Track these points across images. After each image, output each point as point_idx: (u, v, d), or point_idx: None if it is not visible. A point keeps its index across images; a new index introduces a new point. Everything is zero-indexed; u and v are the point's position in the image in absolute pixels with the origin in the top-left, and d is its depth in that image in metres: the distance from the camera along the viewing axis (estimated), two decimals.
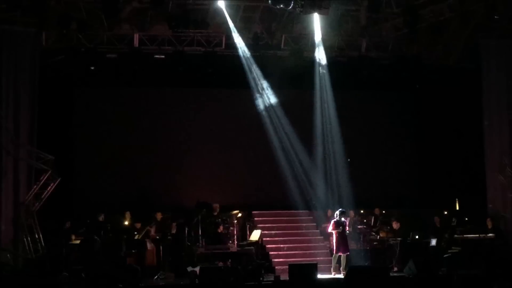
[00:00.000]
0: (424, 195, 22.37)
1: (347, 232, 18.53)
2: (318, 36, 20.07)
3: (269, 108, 21.03)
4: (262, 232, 19.83)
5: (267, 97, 20.95)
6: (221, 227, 19.04)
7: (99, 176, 21.01)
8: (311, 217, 21.38)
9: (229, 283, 15.84)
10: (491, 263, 16.69)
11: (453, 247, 18.43)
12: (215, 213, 19.64)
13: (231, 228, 19.50)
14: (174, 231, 18.99)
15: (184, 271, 17.23)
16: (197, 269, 16.47)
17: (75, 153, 21.10)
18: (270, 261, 19.24)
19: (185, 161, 21.76)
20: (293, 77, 20.75)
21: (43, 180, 18.14)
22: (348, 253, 18.33)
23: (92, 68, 20.01)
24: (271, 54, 20.63)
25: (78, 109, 21.36)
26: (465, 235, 18.92)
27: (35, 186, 18.12)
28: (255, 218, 21.02)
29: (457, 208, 21.60)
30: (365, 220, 20.42)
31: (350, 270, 16.42)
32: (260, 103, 21.01)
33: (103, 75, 20.49)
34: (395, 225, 19.58)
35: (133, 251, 18.09)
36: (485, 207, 20.15)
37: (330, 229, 18.49)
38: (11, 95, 18.19)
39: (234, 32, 19.63)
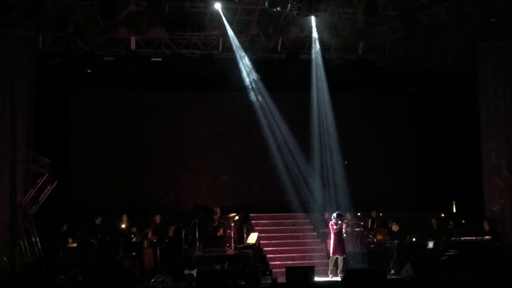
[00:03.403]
0: (421, 197, 22.39)
1: (344, 235, 18.52)
2: (315, 39, 20.08)
3: (266, 110, 21.03)
4: (259, 234, 19.82)
5: (264, 100, 20.94)
6: (221, 231, 19.04)
7: (96, 179, 21.01)
8: (308, 220, 21.39)
9: (226, 286, 15.81)
10: (488, 265, 16.69)
11: (450, 250, 18.43)
12: (216, 217, 19.63)
13: (228, 231, 19.49)
14: (171, 234, 18.99)
15: (181, 274, 17.23)
16: (194, 272, 16.45)
17: (72, 156, 21.09)
18: (267, 264, 19.24)
19: (182, 163, 21.78)
20: (290, 80, 20.79)
21: (40, 183, 18.10)
22: (345, 255, 18.34)
23: (89, 71, 20.06)
24: (268, 57, 20.66)
25: (75, 112, 21.36)
26: (462, 238, 18.97)
27: (31, 189, 18.08)
28: (252, 221, 21.02)
29: (454, 210, 21.64)
30: (362, 223, 20.43)
31: (347, 272, 16.39)
32: (257, 106, 21.01)
33: (100, 78, 20.52)
34: (394, 227, 19.60)
35: (130, 254, 18.05)
36: (482, 210, 20.15)
37: (332, 231, 18.39)
38: (8, 98, 18.15)
39: (231, 35, 19.63)
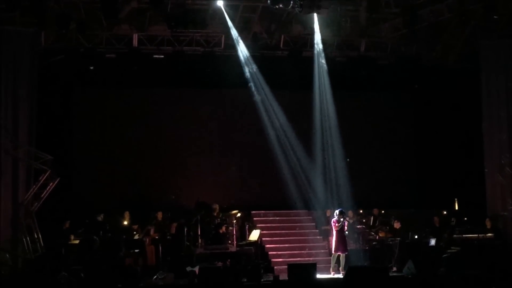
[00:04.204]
0: (423, 195, 22.36)
1: (346, 232, 18.51)
2: (317, 36, 20.08)
3: (268, 108, 21.03)
4: (261, 232, 19.83)
5: (266, 97, 20.95)
6: (223, 228, 19.06)
7: (98, 176, 21.00)
8: (310, 217, 21.40)
9: (228, 283, 15.83)
10: (490, 263, 16.70)
11: (452, 247, 18.42)
12: (215, 214, 19.66)
13: (230, 228, 19.51)
14: (173, 231, 19.00)
15: (183, 271, 17.22)
16: (196, 269, 16.46)
17: (74, 153, 21.09)
18: (269, 261, 19.24)
19: (184, 161, 21.77)
20: (292, 77, 20.79)
21: (42, 180, 18.12)
22: (347, 252, 18.35)
23: (91, 68, 20.05)
24: (270, 54, 20.66)
25: (77, 109, 21.35)
26: (464, 235, 18.94)
27: (34, 186, 18.10)
28: (254, 218, 21.03)
29: (456, 208, 21.60)
30: (364, 220, 20.43)
31: (349, 270, 16.42)
32: (259, 103, 21.01)
33: (102, 75, 20.52)
34: (396, 225, 19.60)
35: (132, 251, 18.07)
36: (484, 207, 20.15)
37: (335, 228, 18.39)
38: (10, 95, 18.18)
39: (233, 32, 19.64)
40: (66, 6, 18.09)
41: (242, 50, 20.12)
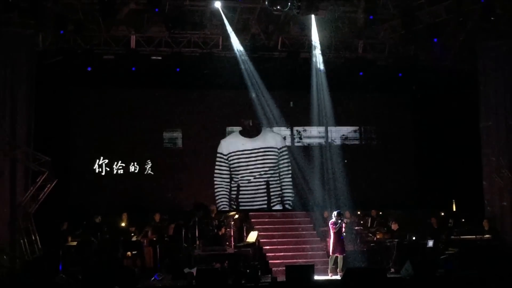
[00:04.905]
0: (421, 196, 22.37)
1: (344, 234, 18.51)
2: (315, 37, 20.07)
3: (265, 109, 21.03)
4: (259, 233, 19.82)
5: (263, 98, 20.95)
6: (223, 229, 19.05)
7: (96, 177, 21.00)
8: (308, 218, 21.40)
9: (226, 284, 15.82)
10: (488, 264, 16.70)
11: (450, 248, 18.43)
12: (212, 215, 19.66)
13: (228, 229, 19.49)
14: (171, 233, 19.00)
15: (181, 273, 17.23)
16: (194, 270, 16.45)
17: (72, 154, 21.05)
18: (267, 262, 19.22)
19: (181, 161, 21.75)
20: (290, 78, 20.81)
21: (40, 182, 18.08)
22: (345, 254, 18.34)
23: (89, 69, 19.99)
24: (268, 55, 20.64)
25: (75, 110, 21.31)
26: (462, 236, 18.96)
27: (31, 188, 18.06)
28: (252, 220, 21.02)
29: (454, 209, 21.63)
30: (361, 221, 20.44)
31: (347, 271, 16.39)
32: (257, 105, 21.01)
33: (100, 77, 20.47)
34: (394, 226, 19.61)
35: (130, 252, 18.05)
36: (482, 208, 20.17)
37: (332, 230, 18.39)
38: (8, 97, 18.15)
39: (231, 33, 19.62)
40: (63, 7, 18.07)
41: (240, 51, 20.10)
